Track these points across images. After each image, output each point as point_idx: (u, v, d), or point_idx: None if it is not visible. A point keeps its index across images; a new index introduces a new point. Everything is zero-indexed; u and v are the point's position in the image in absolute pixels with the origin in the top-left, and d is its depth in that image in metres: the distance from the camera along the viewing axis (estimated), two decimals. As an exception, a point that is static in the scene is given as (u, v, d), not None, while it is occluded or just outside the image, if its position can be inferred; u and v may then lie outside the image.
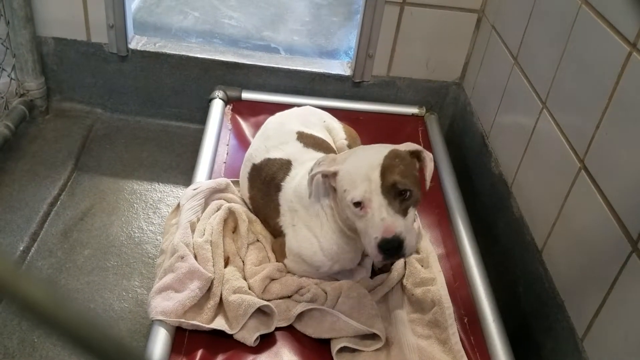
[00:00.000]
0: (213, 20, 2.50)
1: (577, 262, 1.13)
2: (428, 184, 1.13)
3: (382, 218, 1.02)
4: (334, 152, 1.38)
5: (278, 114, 1.48)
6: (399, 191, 1.04)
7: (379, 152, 1.09)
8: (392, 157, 1.08)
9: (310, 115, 1.48)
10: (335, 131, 1.47)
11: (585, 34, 1.17)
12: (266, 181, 1.29)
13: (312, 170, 1.14)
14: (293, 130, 1.36)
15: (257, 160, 1.33)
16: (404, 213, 1.04)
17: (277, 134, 1.36)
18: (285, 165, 1.27)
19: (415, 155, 1.14)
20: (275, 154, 1.31)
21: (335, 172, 1.10)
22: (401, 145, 1.15)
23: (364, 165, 1.07)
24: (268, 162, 1.31)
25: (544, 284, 1.23)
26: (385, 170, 1.05)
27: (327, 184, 1.15)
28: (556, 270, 1.20)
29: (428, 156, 1.15)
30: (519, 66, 1.47)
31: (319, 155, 1.30)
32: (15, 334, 1.26)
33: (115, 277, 1.42)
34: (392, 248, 1.01)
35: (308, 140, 1.34)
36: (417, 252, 1.34)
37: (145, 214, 1.61)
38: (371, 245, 1.03)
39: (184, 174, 1.73)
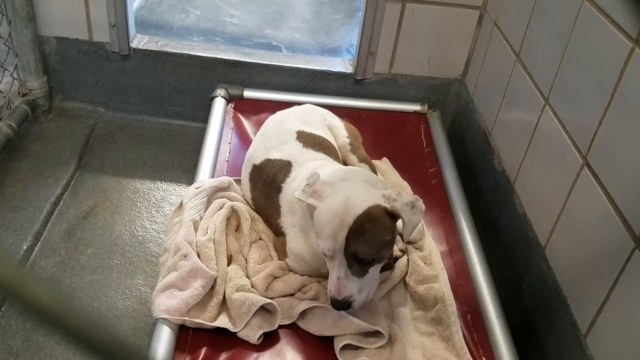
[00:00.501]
0: (215, 18, 2.50)
1: (580, 258, 1.13)
2: (407, 236, 1.10)
3: (338, 277, 1.06)
4: (335, 150, 1.38)
5: (278, 113, 1.48)
6: (360, 260, 1.06)
7: (354, 206, 1.04)
8: (363, 220, 1.04)
9: (310, 114, 1.48)
10: (337, 129, 1.47)
11: (588, 30, 1.16)
12: (267, 182, 1.29)
13: (303, 188, 1.12)
14: (293, 129, 1.36)
15: (258, 161, 1.33)
16: (362, 274, 1.07)
17: (277, 133, 1.36)
18: (285, 167, 1.27)
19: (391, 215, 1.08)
20: (275, 155, 1.31)
21: (314, 206, 1.09)
22: (391, 194, 1.08)
23: (336, 218, 1.04)
24: (268, 162, 1.31)
25: (547, 280, 1.23)
26: (351, 235, 1.03)
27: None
28: (559, 267, 1.20)
29: (416, 209, 1.07)
30: (521, 63, 1.47)
31: (319, 155, 1.30)
32: (20, 332, 1.27)
33: (119, 275, 1.42)
34: (340, 306, 1.08)
35: (308, 140, 1.33)
36: (420, 249, 1.34)
37: (148, 213, 1.61)
38: (328, 291, 1.10)
39: (187, 173, 1.73)
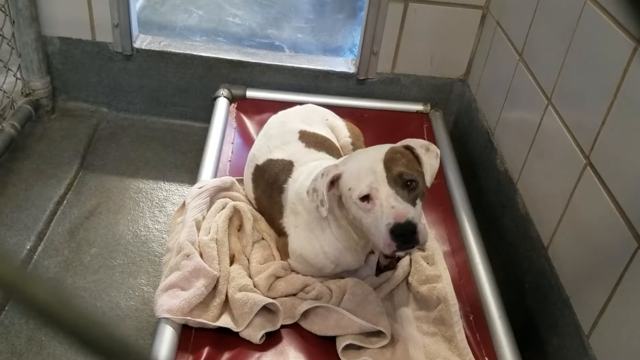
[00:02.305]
0: (217, 18, 2.50)
1: (583, 258, 1.13)
2: (429, 180, 1.11)
3: (392, 206, 1.00)
4: (337, 150, 1.38)
5: (280, 113, 1.48)
6: (405, 181, 1.04)
7: (378, 150, 1.10)
8: (393, 152, 1.09)
9: (312, 113, 1.48)
10: (338, 129, 1.47)
11: (590, 30, 1.16)
12: (269, 182, 1.29)
13: (316, 182, 1.10)
14: (295, 129, 1.36)
15: (260, 161, 1.33)
16: (412, 202, 1.04)
17: (279, 133, 1.36)
18: (287, 167, 1.27)
19: (410, 150, 1.13)
20: (277, 155, 1.31)
21: (339, 174, 1.09)
22: (401, 142, 1.15)
23: (366, 161, 1.08)
24: (270, 163, 1.31)
25: (549, 280, 1.22)
26: (388, 162, 1.06)
27: (331, 192, 1.12)
28: (562, 266, 1.19)
29: (431, 153, 1.13)
30: (524, 62, 1.47)
31: (321, 155, 1.30)
32: (23, 332, 1.27)
33: (122, 275, 1.42)
34: (406, 233, 0.98)
35: (310, 139, 1.34)
36: (423, 249, 1.34)
37: (151, 213, 1.61)
38: (383, 235, 1.00)
39: (189, 173, 1.73)
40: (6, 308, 1.31)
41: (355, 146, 1.43)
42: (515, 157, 1.47)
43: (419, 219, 1.03)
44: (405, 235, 0.99)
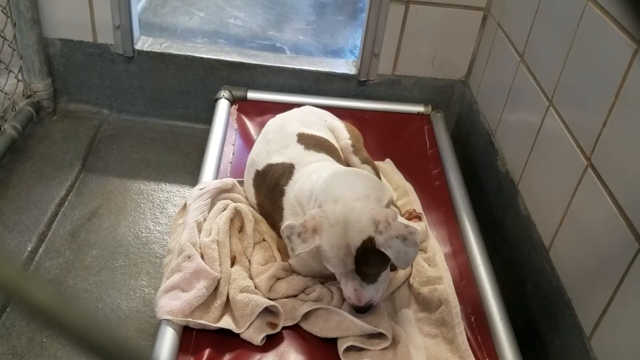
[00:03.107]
0: (218, 20, 2.50)
1: (584, 260, 1.13)
2: (402, 266, 1.11)
3: (354, 288, 1.10)
4: (337, 151, 1.38)
5: (278, 117, 1.48)
6: (371, 274, 1.11)
7: (352, 238, 1.05)
8: (364, 251, 1.05)
9: (310, 115, 1.47)
10: (338, 130, 1.46)
11: (592, 31, 1.16)
12: (270, 187, 1.28)
13: (292, 235, 1.09)
14: (294, 132, 1.35)
15: (260, 167, 1.33)
16: (375, 280, 1.12)
17: (278, 137, 1.36)
18: (288, 170, 1.27)
19: None
20: (277, 159, 1.30)
21: (317, 246, 1.08)
22: (382, 220, 1.05)
23: (340, 251, 1.06)
24: (271, 167, 1.30)
25: (551, 282, 1.22)
26: (358, 261, 1.07)
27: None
28: (563, 268, 1.19)
29: (409, 242, 1.05)
30: (525, 64, 1.47)
31: (321, 156, 1.30)
32: (24, 334, 1.27)
33: (123, 277, 1.42)
34: (364, 310, 1.12)
35: (309, 141, 1.33)
36: (424, 250, 1.34)
37: (152, 214, 1.62)
38: (346, 298, 1.14)
39: (191, 174, 1.73)
40: (7, 309, 1.31)
41: (355, 148, 1.43)
42: (516, 159, 1.47)
43: (380, 286, 1.13)
44: (361, 311, 1.13)
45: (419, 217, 1.41)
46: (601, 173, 1.08)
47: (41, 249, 1.47)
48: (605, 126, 1.08)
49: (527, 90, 1.43)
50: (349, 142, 1.43)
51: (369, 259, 1.07)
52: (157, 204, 1.65)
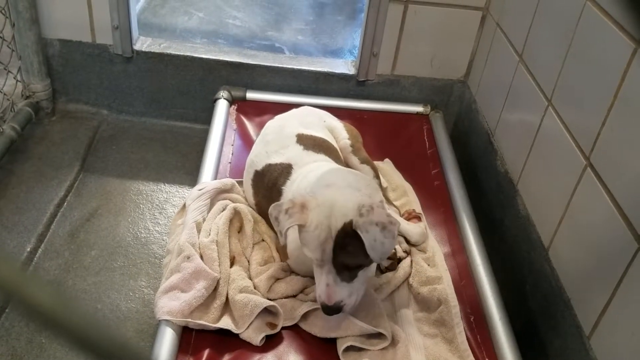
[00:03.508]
0: (217, 20, 2.50)
1: (583, 260, 1.13)
2: (377, 259, 1.05)
3: (327, 283, 1.06)
4: (336, 151, 1.38)
5: (277, 118, 1.48)
6: (348, 267, 1.07)
7: (336, 219, 1.04)
8: (344, 234, 1.03)
9: (309, 116, 1.47)
10: (337, 130, 1.46)
11: (590, 31, 1.16)
12: (269, 187, 1.28)
13: (279, 214, 1.08)
14: (292, 133, 1.35)
15: (259, 167, 1.33)
16: (351, 278, 1.08)
17: (277, 138, 1.36)
18: (286, 170, 1.27)
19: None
20: (276, 159, 1.30)
21: (302, 225, 1.07)
22: (366, 205, 1.04)
23: (322, 233, 1.04)
24: (269, 167, 1.30)
25: (550, 282, 1.22)
26: (337, 247, 1.04)
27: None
28: (563, 268, 1.19)
29: (387, 232, 1.02)
30: (524, 64, 1.47)
31: (320, 156, 1.30)
32: (23, 335, 1.27)
33: (122, 277, 1.42)
34: (331, 311, 1.08)
35: (308, 142, 1.33)
36: (424, 250, 1.34)
37: (151, 215, 1.61)
38: (317, 297, 1.10)
39: (190, 175, 1.73)
40: (6, 310, 1.31)
41: (354, 148, 1.43)
42: (515, 159, 1.47)
43: (355, 290, 1.09)
44: (329, 311, 1.08)
45: (418, 218, 1.41)
46: (600, 173, 1.08)
47: (40, 249, 1.47)
48: (604, 126, 1.08)
49: (526, 90, 1.43)
50: (348, 142, 1.43)
51: (348, 245, 1.03)
52: (156, 205, 1.65)
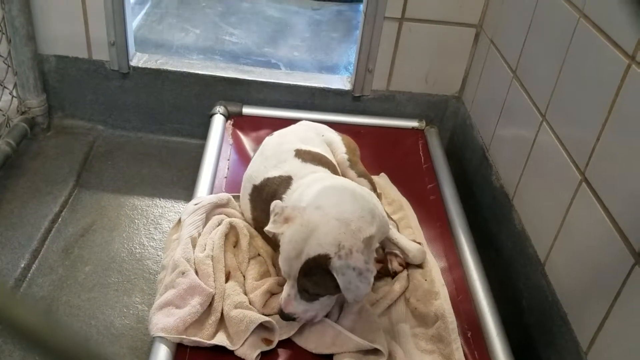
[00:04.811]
0: (214, 37, 2.52)
1: (579, 275, 1.12)
2: (350, 298, 1.05)
3: (288, 294, 1.09)
4: (334, 166, 1.38)
5: (275, 134, 1.48)
6: (308, 292, 1.08)
7: (310, 246, 1.04)
8: (312, 264, 1.04)
9: (307, 131, 1.47)
10: (335, 144, 1.47)
11: (584, 47, 1.17)
12: (267, 200, 1.28)
13: (271, 214, 1.12)
14: (291, 148, 1.35)
15: (258, 181, 1.32)
16: (311, 300, 1.10)
17: (275, 153, 1.35)
18: (285, 181, 1.27)
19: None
20: (274, 173, 1.30)
21: (279, 234, 1.10)
22: (346, 248, 1.03)
23: (294, 250, 1.05)
24: (268, 181, 1.30)
25: (547, 297, 1.22)
26: (302, 272, 1.06)
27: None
28: (559, 283, 1.19)
29: (363, 278, 1.03)
30: (518, 80, 1.48)
31: (319, 168, 1.30)
32: (16, 352, 1.26)
33: (116, 293, 1.41)
34: (284, 317, 1.11)
35: (306, 157, 1.33)
36: (421, 266, 1.34)
37: (146, 230, 1.61)
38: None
39: (185, 190, 1.73)
40: (-1, 327, 1.29)
41: (351, 162, 1.43)
42: (510, 173, 1.48)
43: (314, 309, 1.11)
44: (282, 316, 1.11)
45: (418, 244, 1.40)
46: (595, 188, 1.08)
47: (34, 265, 1.45)
48: (599, 141, 1.08)
49: (520, 105, 1.44)
50: (345, 156, 1.44)
51: (313, 275, 1.04)
52: (151, 220, 1.64)
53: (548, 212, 1.25)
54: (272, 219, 1.12)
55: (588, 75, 1.15)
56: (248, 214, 1.35)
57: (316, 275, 1.05)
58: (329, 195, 1.13)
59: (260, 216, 1.30)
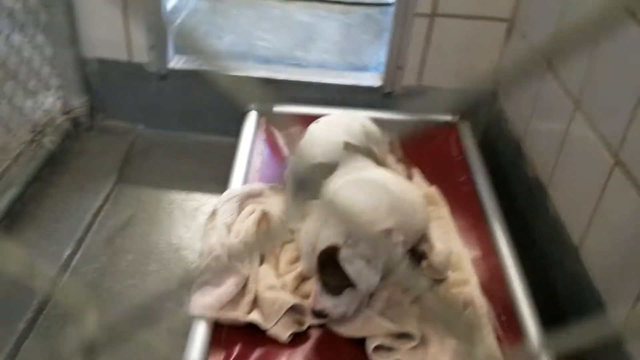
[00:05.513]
0: (247, 42, 2.58)
1: (616, 260, 1.11)
2: (363, 289, 1.07)
3: (315, 292, 1.10)
4: (380, 158, 1.39)
5: (322, 121, 1.47)
6: (329, 284, 1.08)
7: (321, 239, 1.05)
8: (325, 257, 1.05)
9: (352, 122, 1.48)
10: (375, 134, 1.48)
11: (616, 33, 1.17)
12: (310, 187, 1.29)
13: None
14: (340, 140, 1.36)
15: (303, 168, 1.33)
16: (336, 293, 1.08)
17: (324, 142, 1.35)
18: (332, 169, 1.28)
19: None
20: (322, 160, 1.31)
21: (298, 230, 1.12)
22: (354, 237, 1.03)
23: (310, 246, 1.08)
24: (314, 168, 1.31)
25: (582, 283, 1.21)
26: (319, 265, 1.07)
27: None
28: (595, 269, 1.18)
29: (370, 267, 1.04)
30: (551, 69, 1.48)
31: (367, 162, 1.30)
32: (60, 335, 1.31)
33: (156, 280, 1.46)
34: (316, 315, 1.11)
35: (352, 148, 1.34)
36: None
37: (183, 222, 1.66)
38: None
39: (221, 185, 1.75)
40: (44, 311, 1.35)
41: (392, 146, 1.45)
42: (545, 163, 1.47)
43: (343, 303, 1.09)
44: (314, 315, 1.11)
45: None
46: (630, 170, 1.08)
47: (78, 254, 1.52)
48: (631, 124, 1.08)
49: (553, 95, 1.44)
50: (387, 141, 1.45)
51: (329, 266, 1.05)
52: (188, 213, 1.69)
53: (582, 198, 1.25)
54: (291, 214, 1.13)
55: (620, 58, 1.14)
56: (291, 198, 1.37)
57: (330, 267, 1.05)
58: (349, 188, 1.14)
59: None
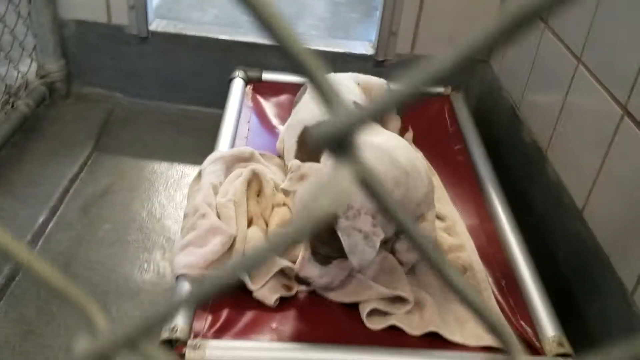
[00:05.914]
0: (232, 17, 2.49)
1: (622, 214, 1.06)
2: (355, 262, 0.99)
3: (302, 257, 1.03)
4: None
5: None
6: (320, 253, 1.03)
7: (322, 204, 0.99)
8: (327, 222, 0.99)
9: (346, 80, 1.44)
10: (373, 83, 1.46)
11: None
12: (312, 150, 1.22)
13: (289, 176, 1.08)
14: (349, 99, 1.31)
15: (311, 124, 1.27)
16: (325, 263, 1.03)
17: None
18: None
19: None
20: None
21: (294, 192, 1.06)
22: (354, 209, 0.98)
23: (304, 208, 0.99)
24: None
25: (586, 243, 1.16)
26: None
27: None
28: (599, 226, 1.13)
29: (369, 241, 0.97)
30: (550, 28, 1.42)
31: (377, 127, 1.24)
32: (33, 302, 1.22)
33: (137, 250, 1.38)
34: (299, 281, 1.05)
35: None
36: (443, 219, 1.28)
37: (166, 192, 1.57)
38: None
39: (205, 155, 1.68)
40: (17, 278, 1.26)
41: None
42: (544, 126, 1.42)
43: (327, 273, 1.04)
44: (297, 280, 1.05)
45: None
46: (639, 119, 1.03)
47: (52, 221, 1.43)
48: (640, 73, 1.03)
49: (554, 54, 1.38)
50: (386, 86, 1.45)
51: (323, 236, 0.99)
52: (171, 183, 1.61)
53: (586, 156, 1.20)
54: (288, 176, 1.07)
55: (626, 8, 1.09)
56: (290, 156, 1.30)
57: (325, 236, 0.99)
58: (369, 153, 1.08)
59: (303, 158, 1.25)
